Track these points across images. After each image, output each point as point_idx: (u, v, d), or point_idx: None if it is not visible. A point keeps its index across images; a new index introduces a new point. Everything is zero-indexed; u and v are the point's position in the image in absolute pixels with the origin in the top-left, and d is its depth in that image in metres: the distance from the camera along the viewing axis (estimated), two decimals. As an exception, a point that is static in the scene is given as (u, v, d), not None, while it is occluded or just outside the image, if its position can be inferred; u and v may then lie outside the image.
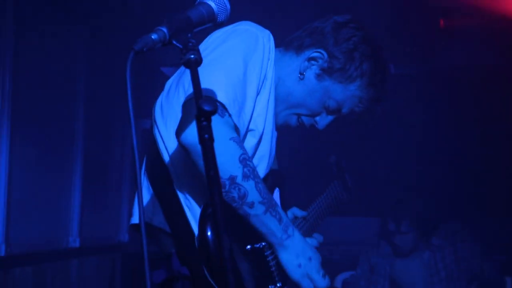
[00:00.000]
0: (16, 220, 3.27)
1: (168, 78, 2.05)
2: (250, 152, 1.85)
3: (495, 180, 4.80)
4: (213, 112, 1.39)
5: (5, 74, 3.16)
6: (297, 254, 1.85)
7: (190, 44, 1.49)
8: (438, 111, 4.73)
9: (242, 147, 1.74)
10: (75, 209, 3.98)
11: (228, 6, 1.63)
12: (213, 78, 1.73)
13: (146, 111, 2.05)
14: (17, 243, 3.28)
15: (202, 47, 1.81)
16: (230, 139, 1.71)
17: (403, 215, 4.22)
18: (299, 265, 1.86)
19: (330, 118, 2.09)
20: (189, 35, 1.51)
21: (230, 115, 1.73)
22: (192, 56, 1.46)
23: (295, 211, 2.26)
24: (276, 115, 1.99)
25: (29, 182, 3.46)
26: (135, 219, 2.00)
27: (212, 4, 1.59)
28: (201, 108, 1.39)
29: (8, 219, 3.18)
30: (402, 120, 4.28)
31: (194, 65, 1.46)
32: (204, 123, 1.39)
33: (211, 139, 1.38)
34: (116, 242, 4.67)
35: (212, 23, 1.61)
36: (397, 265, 4.38)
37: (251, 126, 1.87)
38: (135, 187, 1.55)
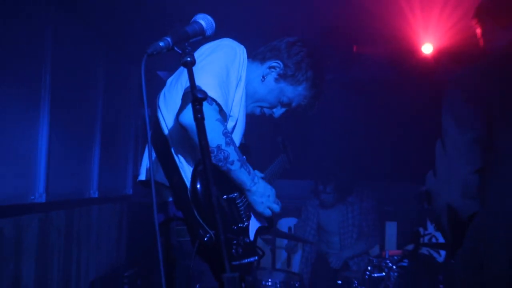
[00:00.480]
0: (54, 176, 3.19)
1: (162, 79, 2.00)
2: (229, 131, 1.82)
3: (391, 156, 4.91)
4: (204, 99, 1.35)
5: (46, 70, 3.09)
6: (260, 195, 1.87)
7: (187, 50, 1.46)
8: (352, 106, 4.81)
9: (224, 125, 1.73)
10: (94, 170, 3.90)
11: (214, 25, 1.61)
12: (205, 79, 1.71)
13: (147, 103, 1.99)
14: (54, 193, 3.20)
15: (195, 55, 1.76)
16: (215, 120, 1.70)
17: (329, 181, 4.26)
18: (262, 202, 1.88)
19: (283, 110, 2.07)
20: (186, 44, 1.49)
21: (217, 104, 1.72)
22: (189, 58, 1.44)
23: (256, 172, 2.24)
24: (246, 106, 1.96)
25: (62, 150, 3.37)
26: (142, 177, 1.95)
27: (203, 23, 1.57)
28: (196, 96, 1.36)
29: (48, 176, 3.11)
30: (329, 112, 4.29)
31: (190, 65, 1.44)
32: (198, 106, 1.36)
33: (202, 118, 1.35)
34: (124, 194, 4.58)
35: (202, 36, 1.59)
36: (322, 214, 4.42)
37: (231, 114, 1.85)
38: (140, 154, 1.50)
